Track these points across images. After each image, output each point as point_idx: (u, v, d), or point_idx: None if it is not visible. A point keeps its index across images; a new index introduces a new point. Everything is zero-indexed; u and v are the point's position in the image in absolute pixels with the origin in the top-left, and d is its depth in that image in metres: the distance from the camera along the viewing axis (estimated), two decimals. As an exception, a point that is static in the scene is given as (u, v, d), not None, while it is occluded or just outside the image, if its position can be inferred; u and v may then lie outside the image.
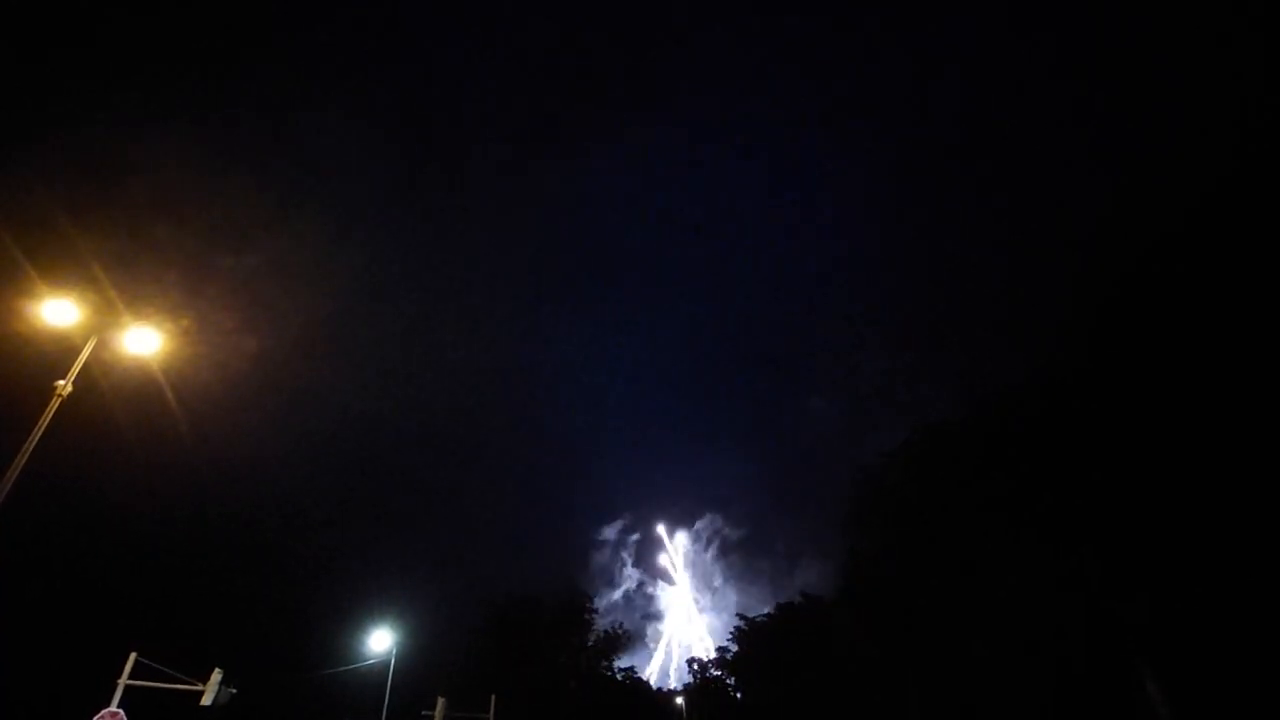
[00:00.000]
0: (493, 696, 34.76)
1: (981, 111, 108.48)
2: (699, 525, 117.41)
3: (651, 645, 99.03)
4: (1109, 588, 26.98)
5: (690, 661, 72.40)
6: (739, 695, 64.59)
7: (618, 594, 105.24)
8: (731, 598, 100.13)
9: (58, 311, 11.96)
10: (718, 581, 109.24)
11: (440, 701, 31.12)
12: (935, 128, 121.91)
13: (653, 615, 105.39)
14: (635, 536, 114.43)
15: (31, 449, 10.96)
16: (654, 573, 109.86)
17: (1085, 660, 28.43)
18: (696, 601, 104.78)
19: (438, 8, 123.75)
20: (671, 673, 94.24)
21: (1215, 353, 25.13)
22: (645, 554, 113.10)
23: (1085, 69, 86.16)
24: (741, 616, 65.73)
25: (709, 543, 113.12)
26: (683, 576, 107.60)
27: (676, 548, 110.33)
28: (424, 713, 32.11)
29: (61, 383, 11.85)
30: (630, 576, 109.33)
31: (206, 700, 20.18)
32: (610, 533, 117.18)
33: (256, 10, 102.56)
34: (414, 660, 47.93)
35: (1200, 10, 60.31)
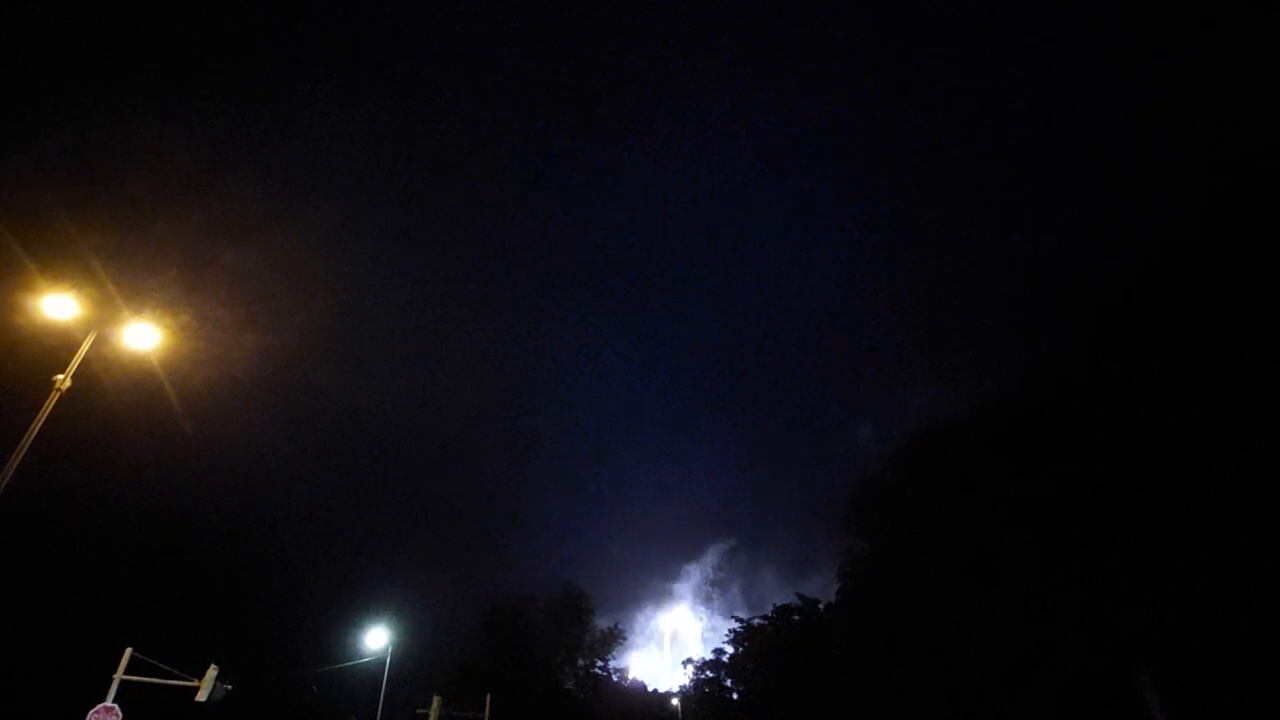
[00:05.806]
0: (488, 696, 34.78)
1: (982, 112, 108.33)
2: (716, 539, 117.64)
3: (662, 651, 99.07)
4: (1108, 593, 26.97)
5: (686, 663, 72.11)
6: (734, 696, 64.50)
7: (643, 612, 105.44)
8: (738, 605, 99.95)
9: (57, 306, 12.00)
10: (727, 589, 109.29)
11: (435, 700, 31.17)
12: (938, 130, 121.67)
13: (667, 623, 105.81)
14: (663, 551, 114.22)
15: (30, 443, 10.99)
16: (668, 589, 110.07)
17: (1084, 667, 28.39)
18: (706, 611, 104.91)
19: (445, 5, 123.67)
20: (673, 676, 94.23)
21: (1215, 356, 25.15)
22: (661, 568, 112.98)
23: (1092, 72, 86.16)
24: (738, 619, 65.58)
25: (725, 556, 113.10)
26: (693, 585, 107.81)
27: (690, 564, 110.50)
28: (419, 711, 32.19)
29: (61, 377, 11.87)
30: (651, 589, 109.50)
31: (201, 696, 20.22)
32: (640, 551, 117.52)
33: (259, 2, 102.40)
34: (410, 659, 48.08)
35: (1204, 13, 60.46)
